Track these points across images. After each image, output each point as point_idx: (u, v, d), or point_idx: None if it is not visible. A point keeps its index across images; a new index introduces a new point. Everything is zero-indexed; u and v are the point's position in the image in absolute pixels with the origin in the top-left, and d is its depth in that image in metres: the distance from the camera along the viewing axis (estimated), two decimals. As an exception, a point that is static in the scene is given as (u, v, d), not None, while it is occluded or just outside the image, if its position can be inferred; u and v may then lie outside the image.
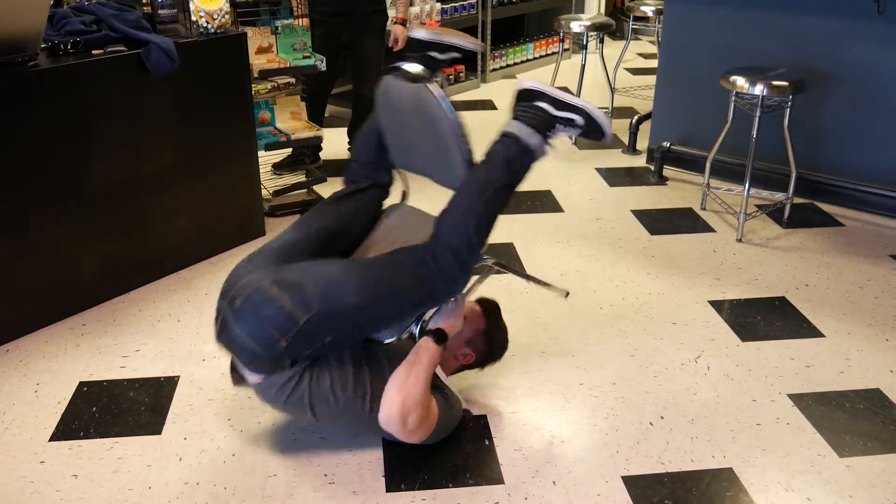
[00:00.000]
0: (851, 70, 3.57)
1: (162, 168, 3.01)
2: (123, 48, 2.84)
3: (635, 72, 6.31)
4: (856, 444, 2.22)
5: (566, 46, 6.61)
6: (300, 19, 3.58)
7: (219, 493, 2.03)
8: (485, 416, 2.32)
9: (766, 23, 3.75)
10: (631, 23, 5.48)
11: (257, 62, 3.40)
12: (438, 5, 5.39)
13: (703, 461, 2.15)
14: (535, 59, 6.44)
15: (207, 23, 3.07)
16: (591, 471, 2.11)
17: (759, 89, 3.30)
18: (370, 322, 2.05)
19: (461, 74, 5.80)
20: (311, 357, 2.00)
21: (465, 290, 2.21)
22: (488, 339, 2.29)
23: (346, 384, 2.03)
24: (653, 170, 4.19)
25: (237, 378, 2.12)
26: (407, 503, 2.00)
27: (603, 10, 6.92)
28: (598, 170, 4.27)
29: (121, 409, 2.35)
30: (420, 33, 2.34)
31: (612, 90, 4.91)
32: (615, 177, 4.18)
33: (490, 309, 2.33)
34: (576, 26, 4.64)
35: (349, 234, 2.29)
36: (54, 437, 2.23)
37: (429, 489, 2.04)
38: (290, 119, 3.76)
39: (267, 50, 3.49)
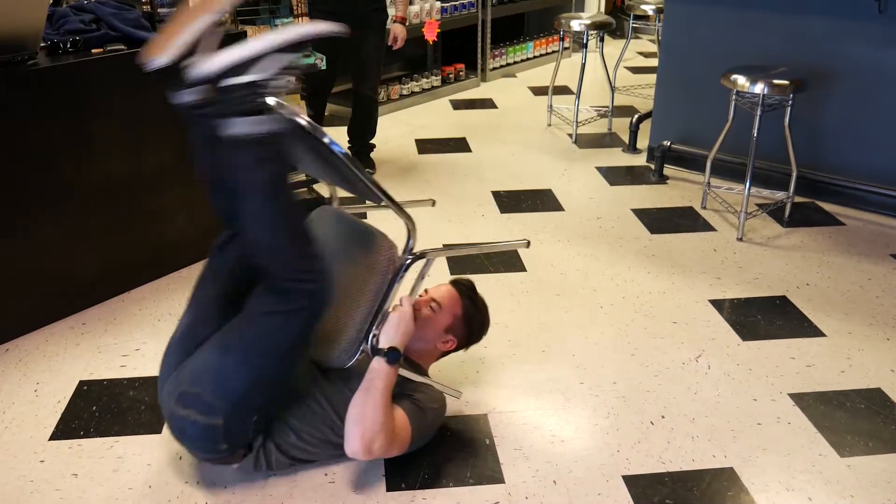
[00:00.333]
0: (852, 69, 3.57)
1: (162, 168, 3.01)
2: (123, 47, 2.83)
3: (635, 70, 6.31)
4: (857, 443, 2.22)
5: (566, 45, 6.61)
6: (300, 18, 3.57)
7: (219, 493, 2.03)
8: (485, 416, 2.31)
9: (766, 22, 3.75)
10: (631, 21, 5.47)
11: (257, 61, 3.39)
12: (438, 4, 5.37)
13: (704, 461, 2.15)
14: (535, 57, 6.43)
15: (207, 21, 3.06)
16: (591, 470, 2.11)
17: (759, 88, 3.30)
18: (276, 379, 1.94)
19: (461, 73, 5.79)
20: (261, 428, 1.99)
21: (408, 292, 2.18)
22: (467, 321, 2.21)
23: (313, 426, 2.03)
24: (653, 169, 4.18)
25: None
26: (407, 503, 2.00)
27: (603, 9, 6.91)
28: (599, 169, 4.27)
29: (121, 409, 2.35)
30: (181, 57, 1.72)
31: (613, 89, 4.90)
32: (615, 176, 4.18)
33: (464, 291, 2.23)
34: (576, 25, 4.64)
35: (246, 282, 2.00)
36: (54, 437, 2.23)
37: (429, 489, 2.04)
38: (290, 118, 3.74)
39: (267, 49, 3.47)
